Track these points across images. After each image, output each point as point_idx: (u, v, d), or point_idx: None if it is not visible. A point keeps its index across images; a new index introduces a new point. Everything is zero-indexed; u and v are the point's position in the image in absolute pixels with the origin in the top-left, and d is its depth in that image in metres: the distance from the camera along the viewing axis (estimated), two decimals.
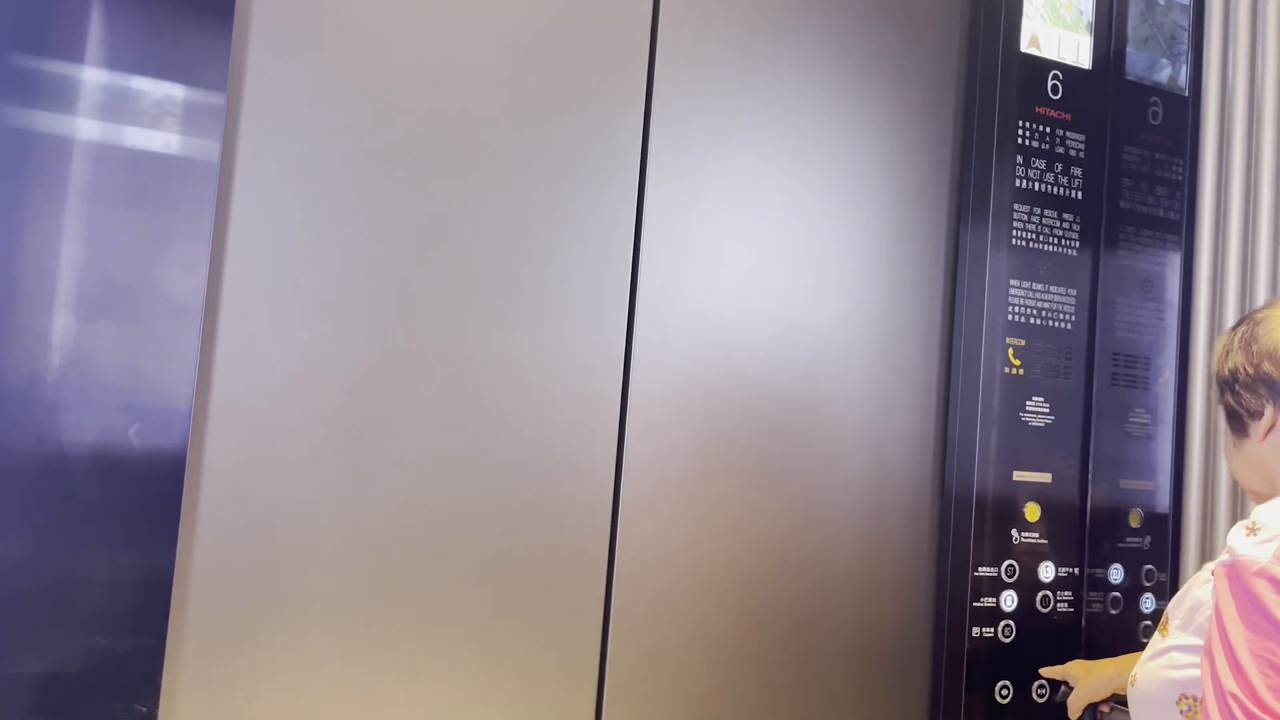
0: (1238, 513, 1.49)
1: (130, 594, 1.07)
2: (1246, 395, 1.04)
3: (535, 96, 1.23)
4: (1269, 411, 1.02)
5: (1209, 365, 1.55)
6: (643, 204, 1.28)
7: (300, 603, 1.11)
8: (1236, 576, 0.91)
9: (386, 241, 1.16)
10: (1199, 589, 1.01)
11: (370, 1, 1.17)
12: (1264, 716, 0.85)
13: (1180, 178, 1.57)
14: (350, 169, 1.15)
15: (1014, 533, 1.42)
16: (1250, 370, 1.03)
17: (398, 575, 1.15)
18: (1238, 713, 0.86)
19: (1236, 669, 0.88)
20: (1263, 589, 0.88)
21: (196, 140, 1.16)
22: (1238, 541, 0.93)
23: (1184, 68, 1.59)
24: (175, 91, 1.21)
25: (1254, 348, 1.03)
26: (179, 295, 1.22)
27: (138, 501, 1.10)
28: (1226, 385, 1.07)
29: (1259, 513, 0.95)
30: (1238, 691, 0.87)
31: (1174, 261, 1.56)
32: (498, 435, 1.20)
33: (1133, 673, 1.08)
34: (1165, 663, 1.02)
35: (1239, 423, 1.06)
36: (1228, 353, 1.07)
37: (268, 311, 1.11)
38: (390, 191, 1.17)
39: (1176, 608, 1.04)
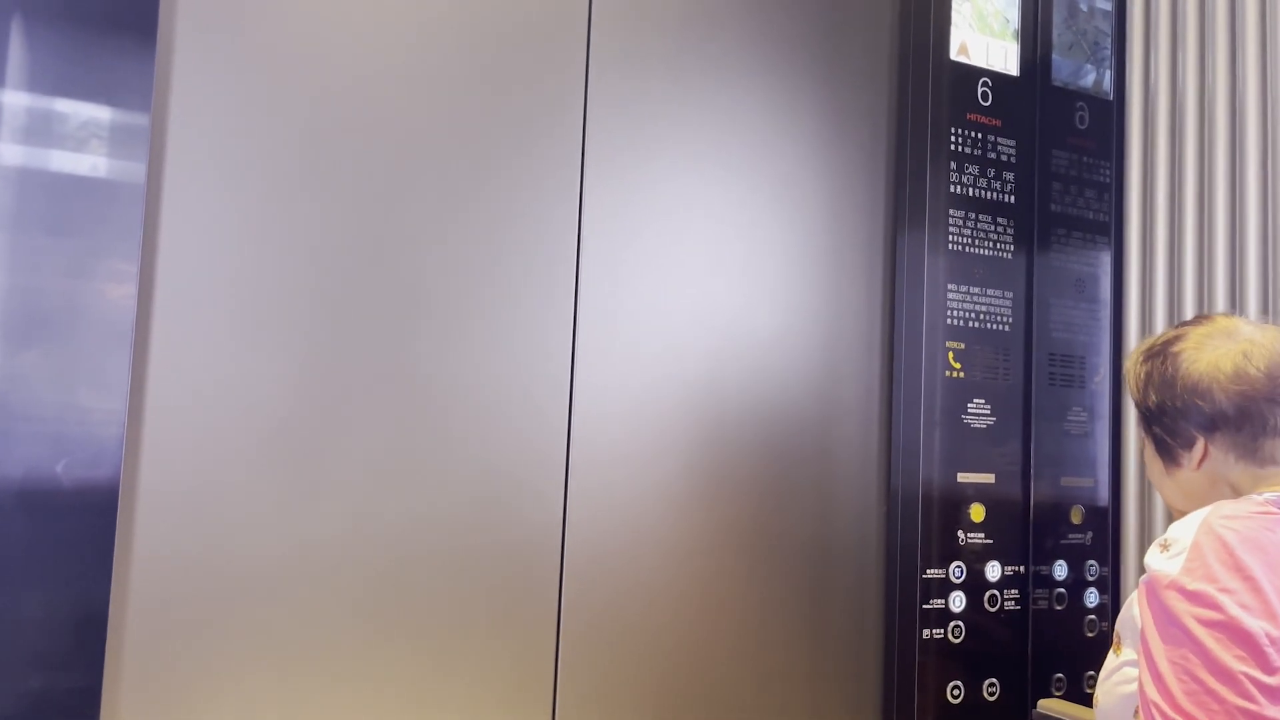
0: None
1: (64, 633, 1.04)
2: (1176, 428, 1.06)
3: (473, 116, 1.23)
4: (1200, 442, 1.05)
5: None
6: (582, 221, 1.28)
7: (244, 634, 1.08)
8: (1152, 591, 0.95)
9: (323, 263, 1.14)
10: (1137, 606, 1.04)
11: (300, 19, 1.15)
12: None
13: (1108, 180, 1.61)
14: (284, 190, 1.13)
15: (960, 534, 1.43)
16: (1178, 405, 1.05)
17: (344, 601, 1.13)
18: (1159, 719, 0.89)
19: (1157, 678, 0.91)
20: (1174, 600, 0.92)
21: (122, 162, 1.13)
22: (1153, 559, 0.96)
23: (1108, 73, 1.63)
24: (99, 113, 1.18)
25: (1178, 384, 1.05)
26: (107, 322, 1.19)
27: (69, 535, 1.07)
28: (1153, 418, 1.08)
29: (1172, 529, 0.98)
30: (1159, 699, 0.90)
31: (1105, 261, 1.60)
32: (444, 456, 1.18)
33: (1095, 693, 1.10)
34: (1119, 679, 1.05)
35: (1170, 453, 1.08)
36: (1148, 385, 1.08)
37: (201, 337, 1.09)
38: (327, 212, 1.15)
39: (1124, 626, 1.06)
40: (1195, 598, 0.91)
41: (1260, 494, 1.00)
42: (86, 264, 1.17)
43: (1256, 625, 0.88)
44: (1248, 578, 0.90)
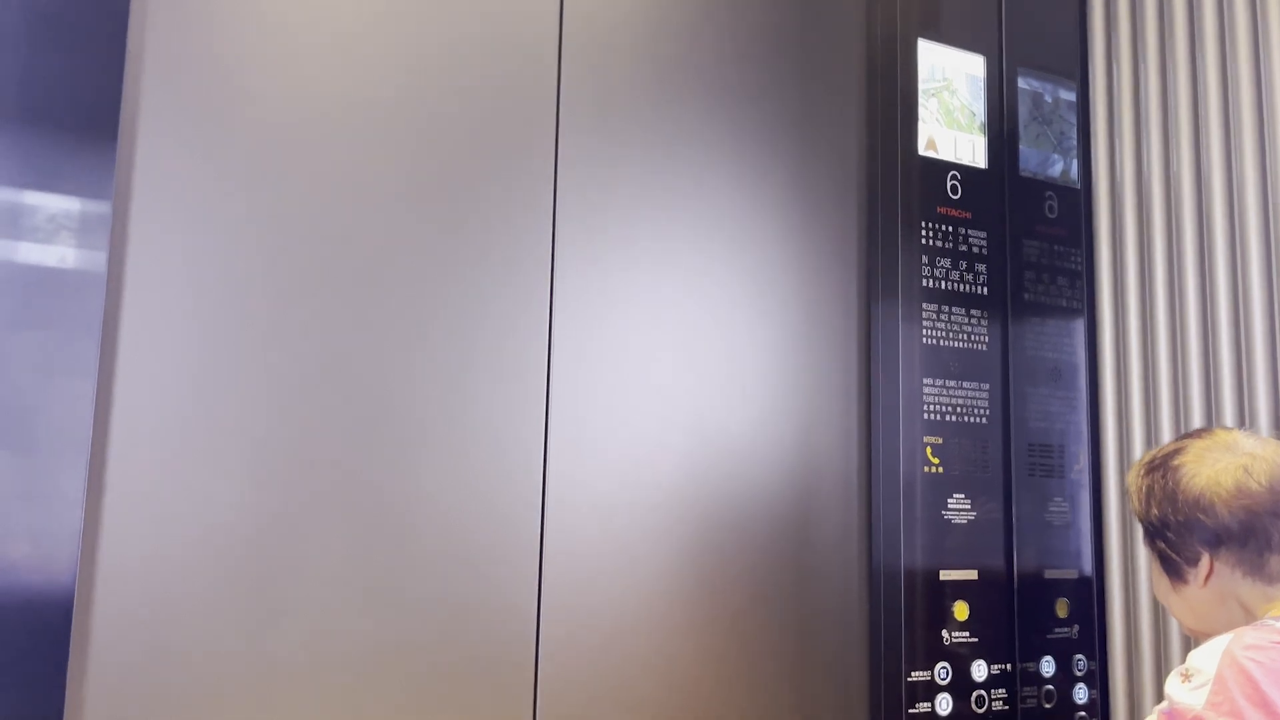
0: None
1: None
2: (1180, 544, 1.05)
3: (438, 219, 1.21)
4: (1205, 558, 1.04)
5: (1120, 450, 1.58)
6: (553, 324, 1.26)
7: None
8: None
9: (284, 370, 1.12)
10: None
11: (266, 114, 1.14)
12: None
13: (1079, 268, 1.62)
14: (244, 295, 1.11)
15: (945, 634, 1.40)
16: (1180, 519, 1.04)
17: None
18: None
19: None
20: None
21: (82, 259, 1.11)
22: (1174, 689, 0.95)
23: (1074, 162, 1.65)
24: (61, 207, 1.16)
25: (1180, 499, 1.05)
26: (64, 427, 1.16)
27: (19, 654, 1.03)
28: (1156, 533, 1.08)
29: (1193, 658, 0.97)
30: None
31: (1080, 349, 1.60)
32: (411, 572, 1.15)
33: None
34: None
35: (1176, 570, 1.07)
36: (1150, 498, 1.08)
37: (159, 448, 1.05)
38: (288, 318, 1.12)
39: None
40: None
41: (1278, 619, 0.98)
42: (44, 363, 1.15)
43: None
44: (1274, 714, 0.88)
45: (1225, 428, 1.12)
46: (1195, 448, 1.07)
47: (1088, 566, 1.54)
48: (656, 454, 1.30)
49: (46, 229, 1.20)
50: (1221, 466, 1.03)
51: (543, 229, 1.27)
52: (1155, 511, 1.07)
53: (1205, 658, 0.95)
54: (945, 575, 1.41)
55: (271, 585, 1.08)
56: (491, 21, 1.27)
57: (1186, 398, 1.51)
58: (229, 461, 1.08)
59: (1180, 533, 1.05)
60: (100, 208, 1.14)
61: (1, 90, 1.19)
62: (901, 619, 1.38)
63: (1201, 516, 1.03)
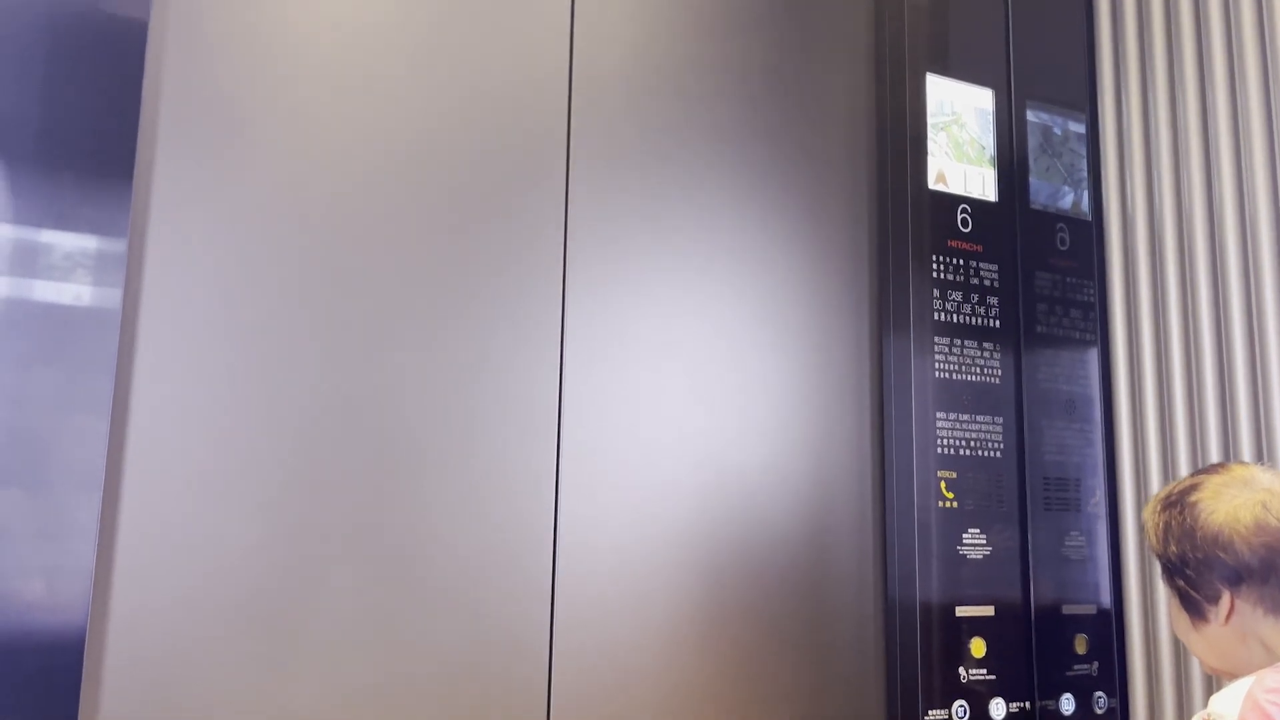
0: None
1: None
2: (1200, 581, 1.04)
3: (449, 259, 1.22)
4: (1226, 596, 1.03)
5: (1137, 483, 1.56)
6: (564, 365, 1.26)
7: None
8: None
9: (297, 414, 1.12)
10: None
11: (278, 155, 1.15)
12: None
13: (1091, 299, 1.61)
14: (258, 335, 1.11)
15: (962, 671, 1.38)
16: (1199, 556, 1.03)
17: None
18: None
19: None
20: None
21: (98, 296, 1.12)
22: None
23: (1085, 193, 1.65)
24: (76, 245, 1.17)
25: (1198, 535, 1.04)
26: (78, 465, 1.16)
27: (30, 700, 1.02)
28: (1175, 570, 1.06)
29: (1214, 703, 0.95)
30: None
31: (1094, 381, 1.59)
32: (423, 614, 1.14)
33: None
34: None
35: (1196, 608, 1.06)
36: (1168, 535, 1.07)
37: (173, 483, 1.05)
38: (301, 357, 1.13)
39: None
40: None
41: None
42: (58, 400, 1.15)
43: None
44: None
45: (1242, 462, 1.11)
46: (1212, 483, 1.06)
47: (1106, 601, 1.52)
48: (668, 491, 1.30)
49: (62, 267, 1.21)
50: (1239, 502, 1.02)
51: (553, 268, 1.27)
52: (1174, 548, 1.05)
53: (1227, 702, 0.93)
54: (961, 611, 1.40)
55: (284, 626, 1.08)
56: (502, 64, 1.28)
57: (1203, 429, 1.50)
58: (242, 501, 1.08)
59: (1200, 570, 1.03)
60: (115, 246, 1.15)
61: (19, 130, 1.21)
62: (917, 657, 1.36)
63: (1221, 554, 1.01)
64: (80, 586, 1.04)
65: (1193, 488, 1.07)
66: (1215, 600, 1.03)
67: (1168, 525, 1.07)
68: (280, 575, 1.08)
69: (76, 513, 1.14)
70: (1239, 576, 1.01)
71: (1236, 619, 1.02)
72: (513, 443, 1.21)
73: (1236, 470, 1.07)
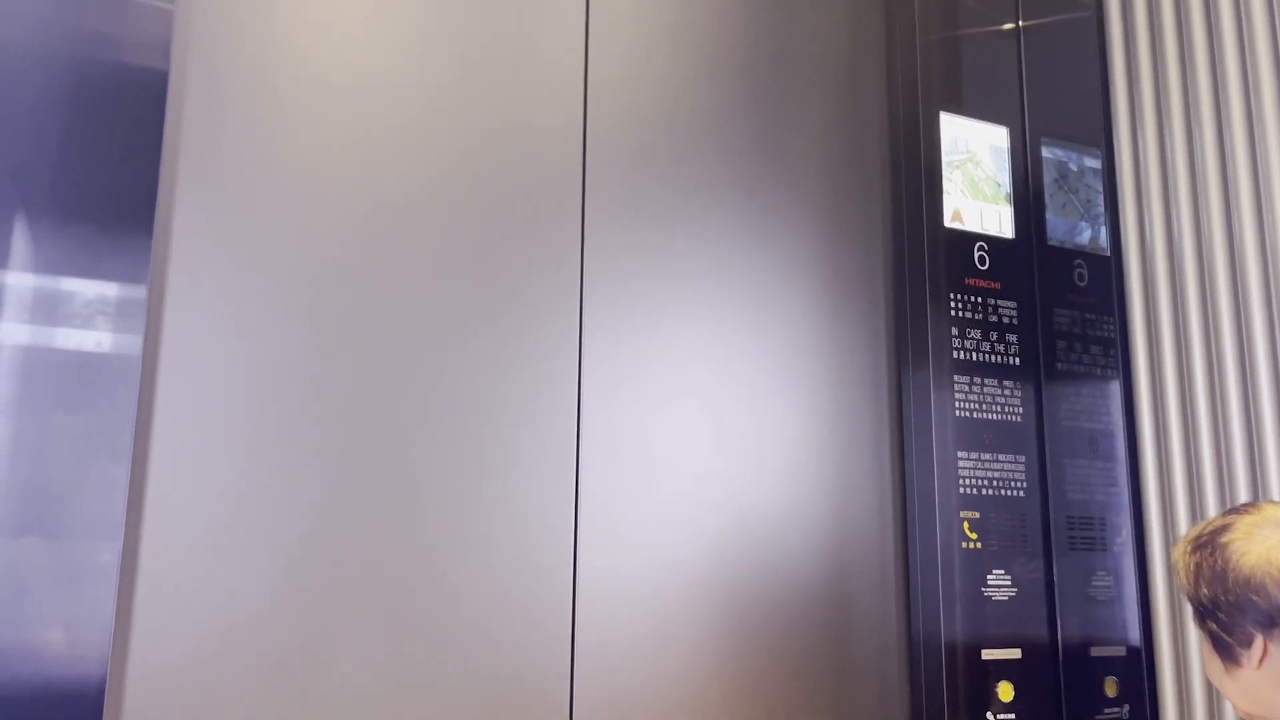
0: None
1: None
2: (1232, 625, 1.02)
3: (465, 309, 1.22)
4: (1259, 640, 1.00)
5: (1164, 521, 1.54)
6: (581, 409, 1.26)
7: None
8: None
9: (316, 456, 1.12)
10: None
11: (296, 205, 1.16)
12: None
13: (1112, 335, 1.60)
14: (277, 383, 1.11)
15: (989, 716, 1.36)
16: (1231, 599, 1.01)
17: None
18: None
19: None
20: None
21: (118, 343, 1.12)
22: None
23: (1103, 228, 1.64)
24: (97, 293, 1.18)
25: (1229, 578, 1.02)
26: (97, 513, 1.16)
27: None
28: (1207, 613, 1.04)
29: None
30: None
31: (1117, 418, 1.57)
32: (443, 663, 1.13)
33: None
34: None
35: (1228, 651, 1.04)
36: (1199, 577, 1.05)
37: (192, 532, 1.05)
38: (319, 405, 1.13)
39: None
40: None
41: None
42: (78, 447, 1.15)
43: None
44: None
45: (1273, 501, 1.09)
46: (1243, 524, 1.04)
47: (1136, 642, 1.49)
48: (688, 535, 1.28)
49: (83, 314, 1.22)
50: (1272, 544, 1.00)
51: (569, 312, 1.27)
52: (1205, 591, 1.03)
53: None
54: (988, 655, 1.37)
55: (303, 676, 1.07)
56: (518, 108, 1.29)
57: (1230, 465, 1.47)
58: (261, 550, 1.08)
59: (1231, 613, 1.01)
60: (136, 293, 1.16)
61: (41, 180, 1.22)
62: (944, 702, 1.33)
63: (1254, 597, 0.99)
64: (100, 636, 1.03)
65: (1224, 528, 1.05)
66: (1248, 644, 1.01)
67: (1199, 567, 1.05)
68: (299, 624, 1.08)
69: (95, 560, 1.14)
70: (1272, 621, 0.99)
71: (1270, 663, 1.00)
72: (530, 491, 1.21)
73: (1268, 510, 1.05)
